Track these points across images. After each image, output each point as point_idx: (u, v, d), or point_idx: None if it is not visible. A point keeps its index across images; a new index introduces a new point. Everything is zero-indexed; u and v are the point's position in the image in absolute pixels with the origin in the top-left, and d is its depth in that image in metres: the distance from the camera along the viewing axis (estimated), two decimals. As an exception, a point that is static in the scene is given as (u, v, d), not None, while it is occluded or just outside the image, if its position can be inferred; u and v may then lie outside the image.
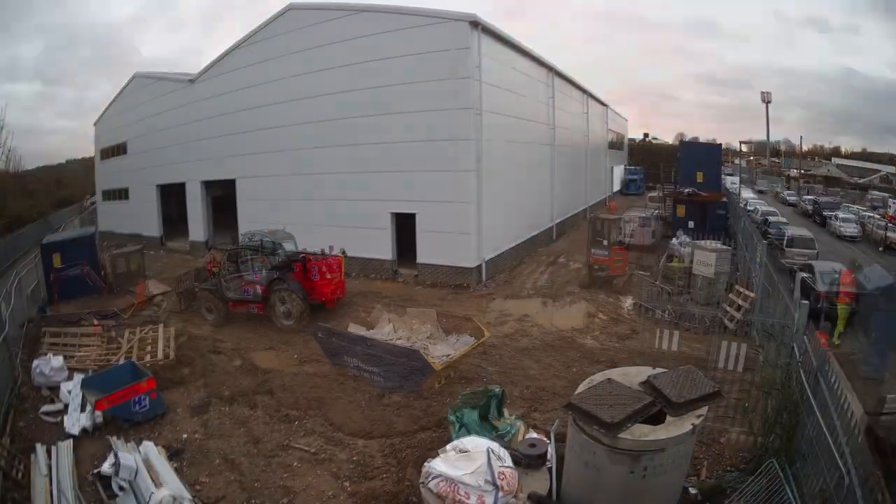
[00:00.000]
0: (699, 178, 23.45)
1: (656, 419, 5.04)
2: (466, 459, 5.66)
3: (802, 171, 64.32)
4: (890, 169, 62.85)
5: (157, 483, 6.73)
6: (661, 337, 7.44)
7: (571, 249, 23.15)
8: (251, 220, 22.88)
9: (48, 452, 7.65)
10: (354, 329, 11.06)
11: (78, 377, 10.03)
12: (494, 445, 6.06)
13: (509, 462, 5.78)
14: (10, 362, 10.20)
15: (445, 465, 5.62)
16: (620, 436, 4.89)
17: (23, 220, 34.79)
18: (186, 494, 6.62)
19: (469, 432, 6.77)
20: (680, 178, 25.24)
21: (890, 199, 37.14)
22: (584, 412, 5.23)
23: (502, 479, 5.45)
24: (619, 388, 5.52)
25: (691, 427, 5.03)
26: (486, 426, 7.07)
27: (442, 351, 10.01)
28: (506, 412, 7.31)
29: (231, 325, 13.91)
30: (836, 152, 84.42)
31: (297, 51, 19.89)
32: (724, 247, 14.22)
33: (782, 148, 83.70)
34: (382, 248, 18.95)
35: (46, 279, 16.72)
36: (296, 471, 7.43)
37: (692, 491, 6.12)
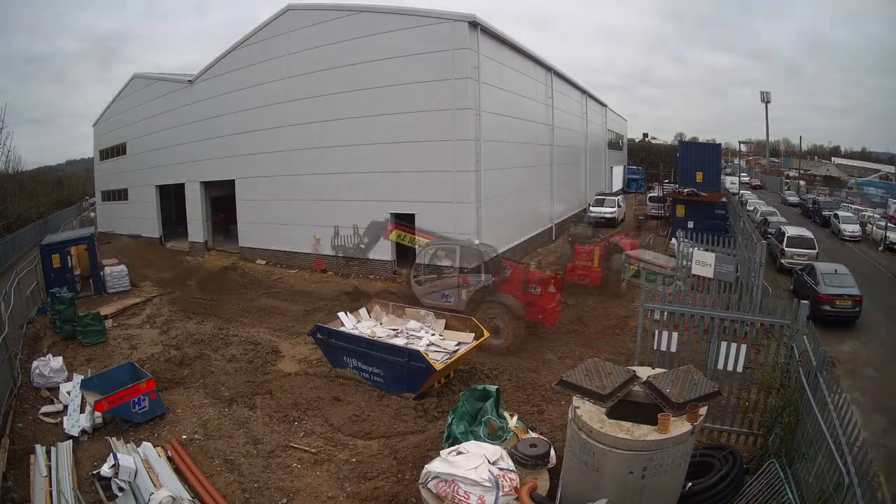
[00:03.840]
0: (698, 177, 23.44)
1: (656, 419, 5.04)
2: (466, 459, 5.66)
3: (802, 171, 64.34)
4: (889, 168, 62.92)
5: (157, 484, 6.73)
6: (660, 339, 7.40)
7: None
8: (251, 220, 22.94)
9: (48, 453, 7.64)
10: (346, 321, 11.04)
11: (77, 378, 10.04)
12: (494, 445, 6.08)
13: (509, 462, 5.79)
14: (10, 363, 10.19)
15: (445, 464, 5.63)
16: (620, 436, 4.90)
17: (22, 221, 34.80)
18: (186, 495, 6.61)
19: (468, 433, 6.76)
20: (679, 178, 25.24)
21: (890, 199, 37.17)
22: (576, 386, 5.46)
23: (503, 479, 5.46)
24: (604, 365, 5.82)
25: (691, 427, 5.03)
26: (485, 428, 7.04)
27: (442, 351, 9.99)
28: (506, 414, 7.29)
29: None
30: (835, 152, 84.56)
31: (297, 51, 19.89)
32: (727, 255, 13.90)
33: (782, 147, 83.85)
34: (381, 248, 18.92)
35: (46, 280, 16.73)
36: (295, 471, 7.42)
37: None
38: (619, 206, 29.97)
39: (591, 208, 29.01)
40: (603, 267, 15.47)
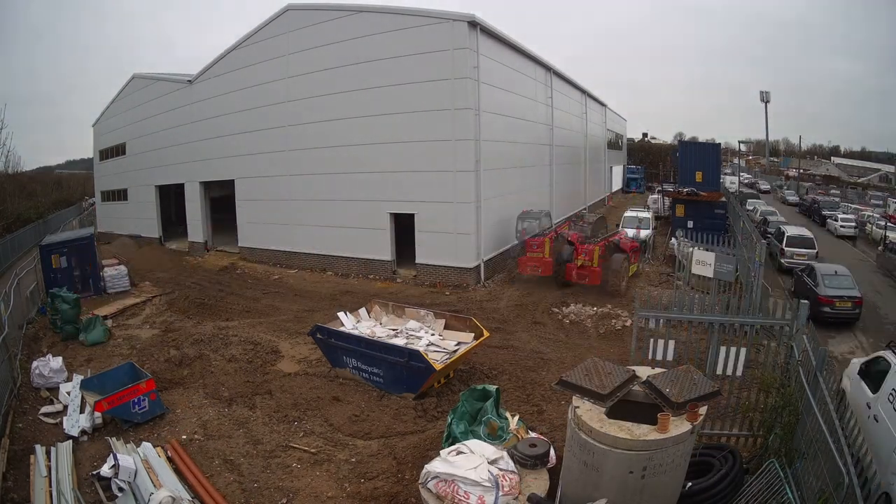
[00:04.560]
0: (698, 177, 23.42)
1: (656, 419, 5.05)
2: (466, 459, 5.67)
3: (802, 171, 64.38)
4: (889, 168, 62.95)
5: (157, 484, 6.73)
6: (655, 347, 7.26)
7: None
8: (250, 220, 22.94)
9: (47, 453, 7.64)
10: (345, 321, 11.05)
11: (77, 378, 10.04)
12: (494, 446, 6.08)
13: (509, 462, 5.79)
14: (10, 363, 10.19)
15: (445, 464, 5.63)
16: (620, 436, 4.90)
17: (22, 221, 34.80)
18: (185, 495, 6.62)
19: (468, 433, 6.76)
20: (679, 178, 25.21)
21: (890, 199, 37.18)
22: (576, 386, 5.48)
23: (503, 479, 5.46)
24: (604, 365, 5.81)
25: (691, 427, 5.03)
26: (486, 427, 7.05)
27: (441, 351, 9.99)
28: (508, 415, 7.29)
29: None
30: (835, 151, 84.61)
31: (296, 51, 19.89)
32: (727, 254, 13.88)
33: (781, 147, 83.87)
34: (381, 248, 18.95)
35: (46, 280, 16.73)
36: (295, 471, 7.42)
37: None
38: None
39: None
40: (602, 266, 15.58)
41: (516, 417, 7.37)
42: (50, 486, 6.94)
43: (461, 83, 16.70)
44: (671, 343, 7.18)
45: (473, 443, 6.10)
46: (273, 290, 17.95)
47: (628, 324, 12.85)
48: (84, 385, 9.19)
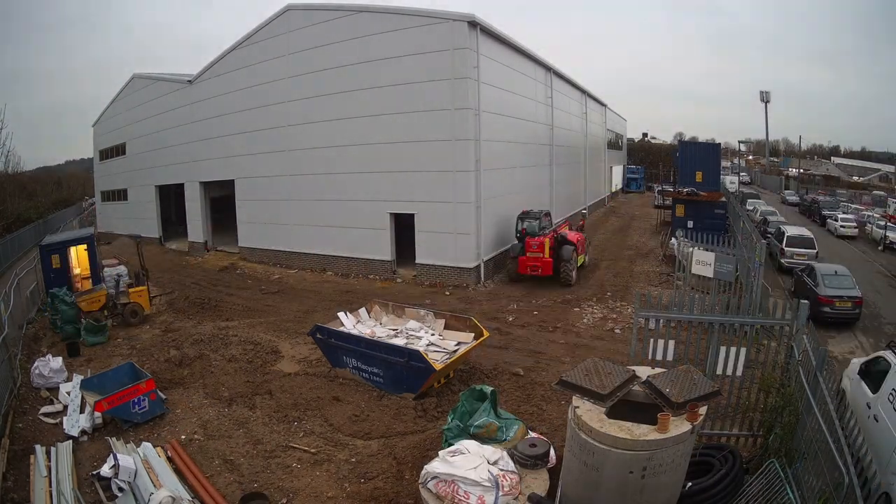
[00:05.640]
0: (698, 177, 23.43)
1: (656, 419, 5.05)
2: (466, 459, 5.67)
3: (802, 171, 64.36)
4: (889, 168, 62.93)
5: (157, 484, 6.73)
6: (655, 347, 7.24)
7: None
8: (250, 220, 22.94)
9: (47, 454, 7.64)
10: (345, 321, 11.05)
11: (77, 378, 10.03)
12: (494, 446, 6.08)
13: (509, 462, 5.79)
14: (10, 363, 10.19)
15: (445, 464, 5.63)
16: (620, 436, 4.90)
17: (22, 221, 34.79)
18: (185, 495, 6.61)
19: (468, 434, 6.76)
20: (679, 178, 25.20)
21: (890, 199, 37.18)
22: (576, 386, 5.48)
23: (503, 479, 5.46)
24: (603, 365, 5.80)
25: (691, 427, 5.03)
26: (484, 428, 7.04)
27: (441, 351, 9.99)
28: (509, 415, 7.28)
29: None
30: (835, 151, 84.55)
31: (296, 51, 19.89)
32: (727, 254, 13.80)
33: (781, 147, 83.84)
34: (381, 248, 18.96)
35: (46, 280, 16.69)
36: (295, 471, 7.42)
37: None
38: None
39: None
40: (553, 257, 16.79)
41: (513, 417, 7.32)
42: (50, 486, 6.94)
43: (461, 83, 16.70)
44: (671, 343, 7.16)
45: (472, 442, 6.10)
46: (273, 290, 17.95)
47: (628, 323, 12.86)
48: (84, 385, 9.19)
